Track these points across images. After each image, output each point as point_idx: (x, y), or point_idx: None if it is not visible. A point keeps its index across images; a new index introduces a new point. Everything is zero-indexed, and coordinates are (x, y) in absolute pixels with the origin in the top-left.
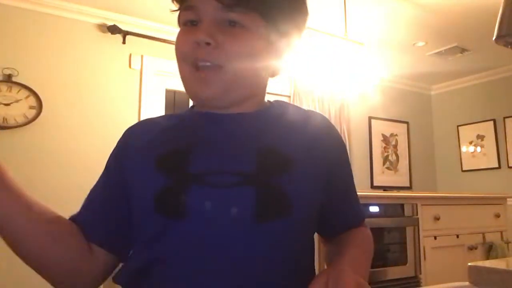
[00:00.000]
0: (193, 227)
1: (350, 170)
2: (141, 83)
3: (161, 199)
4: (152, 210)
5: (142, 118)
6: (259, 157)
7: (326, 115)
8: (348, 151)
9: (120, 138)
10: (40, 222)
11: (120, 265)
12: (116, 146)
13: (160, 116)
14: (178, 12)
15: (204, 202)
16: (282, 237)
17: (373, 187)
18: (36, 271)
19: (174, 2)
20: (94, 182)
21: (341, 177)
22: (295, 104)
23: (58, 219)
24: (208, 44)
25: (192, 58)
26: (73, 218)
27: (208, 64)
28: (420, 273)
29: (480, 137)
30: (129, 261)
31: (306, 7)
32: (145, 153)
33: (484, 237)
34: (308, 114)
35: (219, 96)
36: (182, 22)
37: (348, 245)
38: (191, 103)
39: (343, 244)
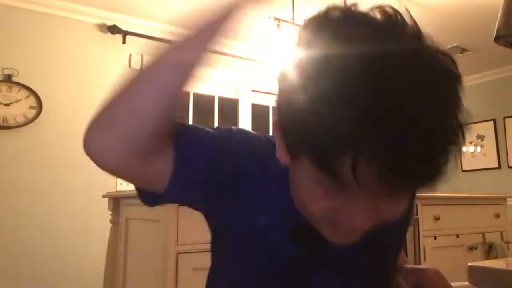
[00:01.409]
0: None
1: None
2: None
3: None
4: None
5: None
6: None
7: None
8: None
9: (227, 145)
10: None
11: None
12: (223, 154)
13: (260, 153)
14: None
15: None
16: None
17: None
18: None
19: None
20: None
21: None
22: None
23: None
24: None
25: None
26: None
27: None
28: None
29: (480, 137)
30: None
31: None
32: (263, 235)
33: (484, 237)
34: None
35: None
36: (315, 178)
37: None
38: (191, 103)
39: None
